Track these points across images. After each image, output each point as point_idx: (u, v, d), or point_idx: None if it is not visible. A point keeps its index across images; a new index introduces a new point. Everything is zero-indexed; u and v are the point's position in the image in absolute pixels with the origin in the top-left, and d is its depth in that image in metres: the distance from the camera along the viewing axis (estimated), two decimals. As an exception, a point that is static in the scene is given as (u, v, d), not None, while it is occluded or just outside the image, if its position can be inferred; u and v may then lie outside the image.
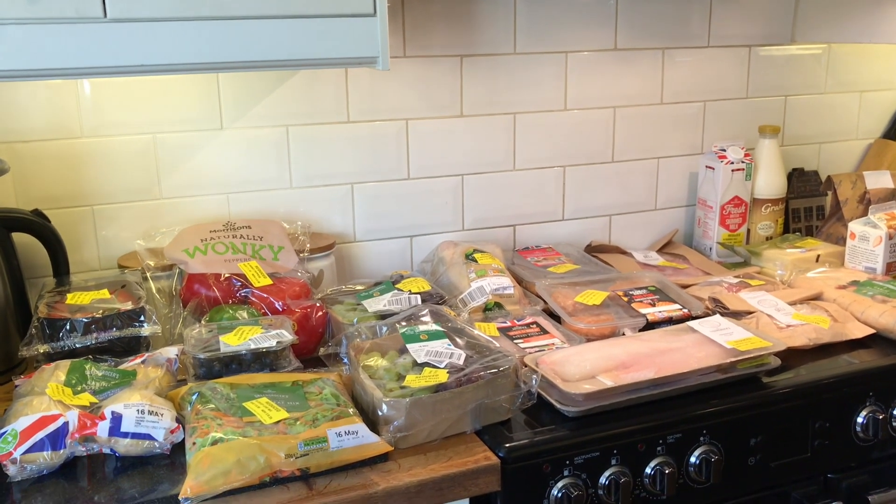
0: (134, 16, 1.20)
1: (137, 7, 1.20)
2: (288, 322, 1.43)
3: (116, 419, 1.15)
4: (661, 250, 2.05)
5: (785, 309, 1.61)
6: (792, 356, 1.49)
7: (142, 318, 1.42)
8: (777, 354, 1.43)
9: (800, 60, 2.17)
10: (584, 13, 1.91)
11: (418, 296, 1.57)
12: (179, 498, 1.06)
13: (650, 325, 1.56)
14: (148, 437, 1.16)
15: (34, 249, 1.54)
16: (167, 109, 1.65)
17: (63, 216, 1.60)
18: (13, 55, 1.16)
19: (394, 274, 1.73)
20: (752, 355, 1.39)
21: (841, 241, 2.00)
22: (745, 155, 2.02)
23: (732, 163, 1.99)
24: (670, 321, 1.58)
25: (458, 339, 1.36)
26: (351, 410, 1.20)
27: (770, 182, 2.05)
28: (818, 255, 1.92)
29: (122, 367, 1.31)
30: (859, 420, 1.46)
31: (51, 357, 1.35)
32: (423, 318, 1.44)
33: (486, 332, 1.46)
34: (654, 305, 1.62)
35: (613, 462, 1.28)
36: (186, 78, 1.64)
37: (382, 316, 1.50)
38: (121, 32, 1.20)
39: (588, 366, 1.35)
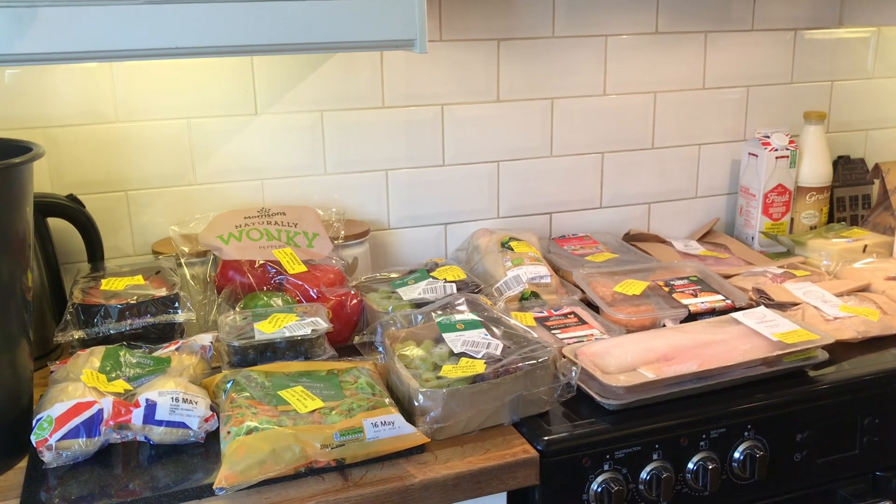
0: (169, -2, 1.18)
1: (172, -11, 1.18)
2: (323, 310, 1.41)
3: (151, 407, 1.14)
4: (701, 239, 2.01)
5: (832, 301, 1.56)
6: (839, 349, 1.45)
7: (176, 304, 1.41)
8: (824, 348, 1.39)
9: (847, 44, 2.11)
10: (625, -4, 1.87)
11: (453, 284, 1.55)
12: (214, 488, 1.05)
13: (692, 317, 1.52)
14: (182, 425, 1.15)
15: (69, 235, 1.54)
16: (202, 94, 1.63)
17: (98, 201, 1.60)
18: (47, 38, 1.14)
19: (428, 262, 1.70)
20: (799, 348, 1.35)
21: (889, 230, 1.94)
22: (790, 142, 1.96)
23: (776, 150, 1.94)
24: (713, 312, 1.53)
25: (494, 329, 1.33)
26: (387, 400, 1.18)
27: (815, 170, 1.99)
28: (865, 246, 1.86)
29: (156, 353, 1.31)
30: (910, 416, 1.42)
31: (85, 343, 1.35)
32: (459, 307, 1.41)
33: (522, 321, 1.43)
34: (695, 296, 1.58)
35: (655, 457, 1.24)
36: (221, 62, 1.63)
37: (417, 304, 1.48)
38: (155, 15, 1.18)
39: (629, 358, 1.31)
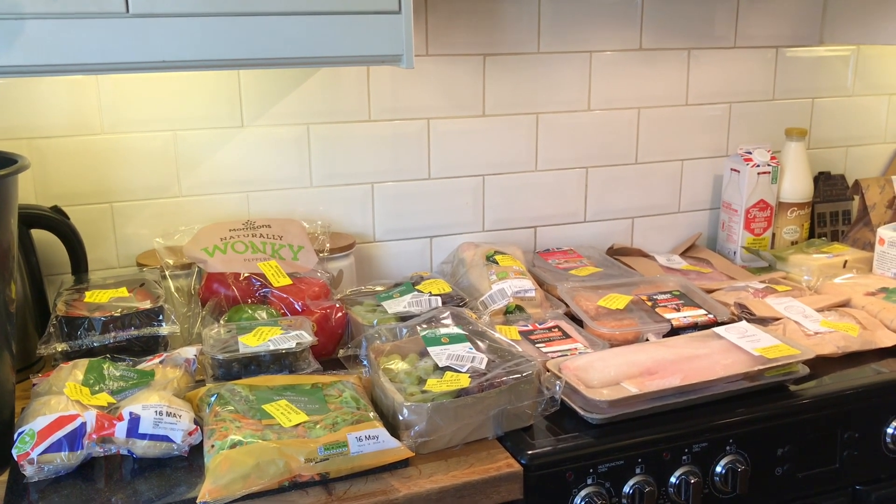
0: (156, 11, 1.18)
1: (159, 3, 1.18)
2: (307, 323, 1.41)
3: (134, 420, 1.14)
4: (684, 254, 2.02)
5: (812, 316, 1.58)
6: (820, 364, 1.46)
7: (160, 317, 1.41)
8: (805, 362, 1.40)
9: (828, 62, 2.14)
10: (609, 12, 1.88)
11: (438, 297, 1.55)
12: (197, 501, 1.05)
13: (675, 331, 1.53)
14: (166, 438, 1.15)
15: (53, 246, 1.53)
16: (188, 106, 1.63)
17: (82, 213, 1.59)
18: (34, 50, 1.15)
19: (414, 275, 1.71)
20: (780, 363, 1.36)
21: (868, 246, 1.96)
22: (771, 158, 1.98)
23: (758, 165, 1.96)
24: (695, 327, 1.55)
25: (479, 343, 1.34)
26: (371, 414, 1.19)
27: (796, 185, 2.02)
28: (845, 261, 1.88)
29: (140, 366, 1.30)
30: (889, 431, 1.43)
31: (69, 356, 1.34)
32: (444, 321, 1.42)
33: (507, 335, 1.43)
34: (678, 310, 1.59)
35: (638, 471, 1.25)
36: (208, 75, 1.63)
37: (402, 318, 1.49)
38: (142, 28, 1.19)
39: (612, 372, 1.32)
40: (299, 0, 1.24)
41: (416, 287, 1.60)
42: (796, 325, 1.55)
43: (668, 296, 1.66)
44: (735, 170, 2.00)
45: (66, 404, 1.15)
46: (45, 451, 1.10)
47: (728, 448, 1.31)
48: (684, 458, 1.28)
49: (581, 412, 1.27)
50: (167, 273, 1.53)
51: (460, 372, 1.24)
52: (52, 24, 1.15)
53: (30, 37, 1.14)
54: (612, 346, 1.47)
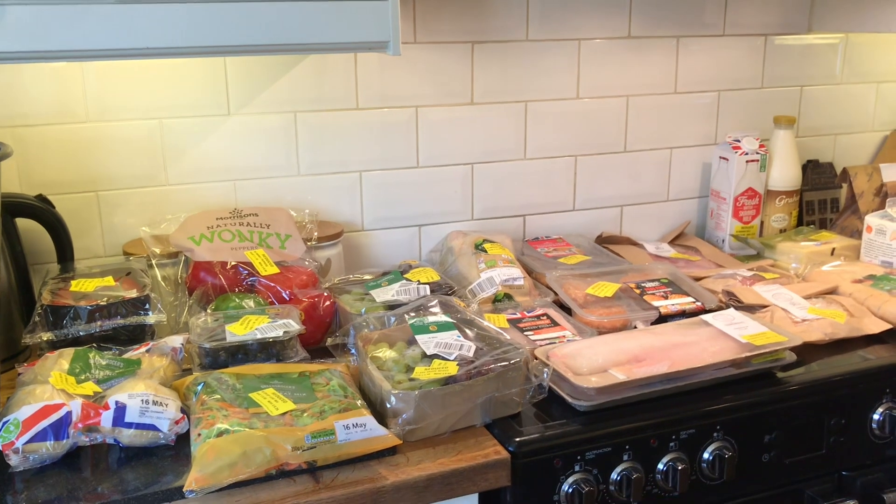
0: (140, -3, 1.17)
1: (144, -12, 1.17)
2: (295, 311, 1.41)
3: (120, 409, 1.13)
4: (672, 242, 2.03)
5: (800, 303, 1.59)
6: (807, 351, 1.46)
7: (147, 306, 1.40)
8: (792, 349, 1.40)
9: (816, 50, 2.14)
10: (598, 0, 1.87)
11: (427, 286, 1.55)
12: (184, 490, 1.04)
13: (663, 318, 1.53)
14: (152, 427, 1.14)
15: (38, 235, 1.52)
16: (174, 94, 1.62)
17: (68, 202, 1.58)
18: (17, 37, 1.13)
19: (402, 264, 1.70)
20: (767, 350, 1.37)
21: (856, 234, 1.97)
22: (760, 146, 1.98)
23: (747, 154, 1.96)
24: (683, 314, 1.55)
25: (467, 331, 1.34)
26: (359, 402, 1.18)
27: (785, 174, 2.02)
28: (833, 249, 1.89)
29: (126, 355, 1.29)
30: (875, 417, 1.44)
31: (54, 345, 1.33)
32: (433, 309, 1.41)
33: (495, 323, 1.43)
34: (666, 298, 1.60)
35: (625, 457, 1.25)
36: (193, 62, 1.62)
37: (391, 306, 1.48)
38: (127, 14, 1.17)
39: (600, 359, 1.32)
40: (285, -14, 1.24)
41: (405, 276, 1.59)
42: (784, 313, 1.55)
43: (657, 283, 1.66)
44: (724, 158, 2.00)
45: (51, 393, 1.15)
46: (30, 441, 1.09)
47: (715, 435, 1.31)
48: (672, 444, 1.28)
49: (569, 399, 1.27)
50: (154, 262, 1.53)
51: (448, 360, 1.24)
52: (36, 11, 1.13)
53: (13, 23, 1.13)
54: (600, 333, 1.47)
